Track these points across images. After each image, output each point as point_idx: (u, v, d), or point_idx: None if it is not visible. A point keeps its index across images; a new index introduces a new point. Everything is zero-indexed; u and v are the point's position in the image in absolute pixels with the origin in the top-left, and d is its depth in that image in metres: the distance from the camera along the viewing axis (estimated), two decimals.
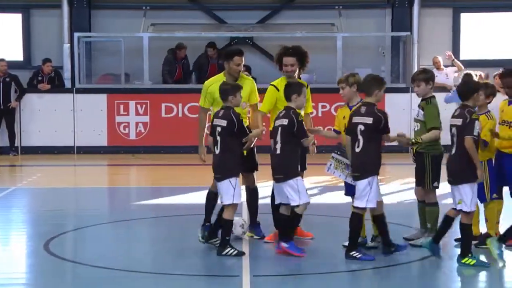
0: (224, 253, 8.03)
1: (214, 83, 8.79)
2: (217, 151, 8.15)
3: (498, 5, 20.14)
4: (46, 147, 18.48)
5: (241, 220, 8.86)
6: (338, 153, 8.35)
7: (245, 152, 8.60)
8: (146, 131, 18.48)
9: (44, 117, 18.50)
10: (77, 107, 18.52)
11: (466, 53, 19.98)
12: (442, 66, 18.71)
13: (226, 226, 8.12)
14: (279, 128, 8.10)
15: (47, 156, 18.08)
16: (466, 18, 20.19)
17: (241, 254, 8.06)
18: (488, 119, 8.32)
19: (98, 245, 8.93)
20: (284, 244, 8.06)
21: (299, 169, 8.20)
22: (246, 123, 8.75)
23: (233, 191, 8.04)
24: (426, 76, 8.47)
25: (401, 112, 18.30)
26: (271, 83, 8.88)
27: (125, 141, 18.52)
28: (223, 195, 8.11)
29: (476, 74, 17.78)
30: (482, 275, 7.70)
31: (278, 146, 8.07)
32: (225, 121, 8.08)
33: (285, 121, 8.05)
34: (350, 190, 8.28)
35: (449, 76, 18.56)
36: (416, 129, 8.52)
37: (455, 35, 20.09)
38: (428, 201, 8.44)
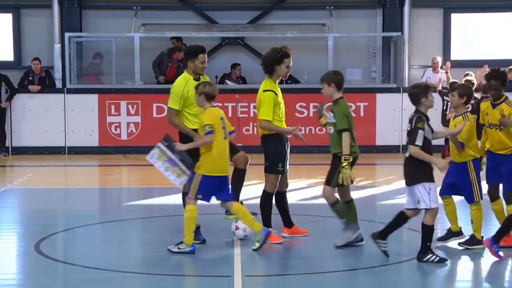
0: (425, 259, 7.80)
1: (185, 84, 8.66)
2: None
3: (488, 5, 20.21)
4: (37, 147, 18.45)
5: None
6: (165, 144, 8.32)
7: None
8: (137, 131, 18.47)
9: (35, 117, 18.46)
10: (68, 108, 18.49)
11: (456, 54, 20.03)
12: (439, 69, 18.71)
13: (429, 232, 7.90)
14: None
15: (38, 157, 18.04)
16: (457, 19, 20.25)
17: (443, 260, 7.82)
18: (464, 120, 8.30)
19: (89, 246, 8.91)
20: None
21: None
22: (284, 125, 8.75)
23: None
24: (329, 77, 8.41)
25: (392, 112, 18.37)
26: (265, 88, 8.64)
27: (117, 141, 18.50)
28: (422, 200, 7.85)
29: (472, 74, 17.87)
30: (476, 274, 7.74)
31: None
32: (409, 125, 7.85)
33: None
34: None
35: (441, 79, 18.57)
36: (330, 132, 8.38)
37: (446, 36, 20.14)
38: (345, 199, 8.47)
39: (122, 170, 16.84)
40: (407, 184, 7.85)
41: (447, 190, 8.53)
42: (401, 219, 7.95)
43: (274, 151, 8.63)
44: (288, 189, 9.06)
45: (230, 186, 8.38)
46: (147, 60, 19.02)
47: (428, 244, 7.82)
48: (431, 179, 7.76)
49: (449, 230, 8.66)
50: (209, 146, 8.05)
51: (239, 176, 8.85)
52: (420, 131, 7.70)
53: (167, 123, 8.85)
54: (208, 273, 7.60)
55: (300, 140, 8.91)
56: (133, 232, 9.80)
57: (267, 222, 8.78)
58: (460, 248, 8.41)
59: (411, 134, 7.75)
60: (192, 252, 8.12)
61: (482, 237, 8.38)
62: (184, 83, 8.71)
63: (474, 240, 8.39)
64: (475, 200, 8.34)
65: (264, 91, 8.65)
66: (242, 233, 8.78)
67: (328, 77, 8.43)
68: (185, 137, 8.64)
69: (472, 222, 8.43)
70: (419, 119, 7.76)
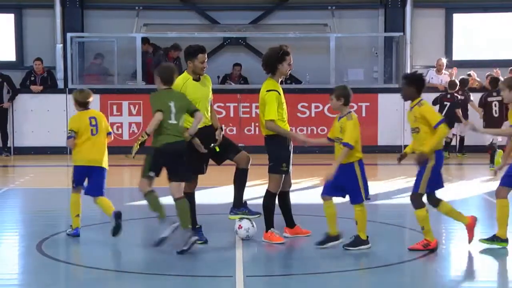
0: None
1: (183, 84, 8.69)
2: None
3: (490, 5, 20.22)
4: (39, 147, 18.46)
5: (249, 223, 8.84)
6: None
7: (217, 149, 8.64)
8: (139, 131, 18.48)
9: (37, 117, 18.48)
10: (70, 108, 18.47)
11: (458, 54, 20.03)
12: (443, 71, 18.70)
13: None
14: None
15: (40, 157, 18.05)
16: (459, 19, 20.24)
17: None
18: (348, 119, 8.27)
19: (91, 246, 8.92)
20: None
21: None
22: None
23: None
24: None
25: (394, 112, 18.35)
26: (268, 88, 8.60)
27: (118, 141, 18.46)
28: None
29: (473, 74, 17.87)
30: (475, 273, 7.73)
31: None
32: None
33: None
34: None
35: (443, 81, 18.58)
36: None
37: (448, 36, 20.14)
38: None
39: (123, 170, 16.84)
40: None
41: (331, 191, 8.40)
42: None
43: (278, 151, 8.63)
44: (290, 189, 9.06)
45: (101, 181, 9.51)
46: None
47: None
48: None
49: (326, 234, 8.50)
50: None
51: (242, 176, 8.83)
52: None
53: None
54: (210, 273, 7.60)
55: (302, 142, 8.87)
56: (135, 232, 9.80)
57: (269, 222, 8.78)
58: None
59: None
60: (75, 234, 9.07)
61: (368, 236, 8.33)
62: (182, 83, 8.70)
63: (359, 240, 8.32)
64: (361, 201, 8.30)
65: (267, 91, 8.61)
66: (245, 233, 8.78)
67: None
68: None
69: (356, 223, 8.33)
70: None
